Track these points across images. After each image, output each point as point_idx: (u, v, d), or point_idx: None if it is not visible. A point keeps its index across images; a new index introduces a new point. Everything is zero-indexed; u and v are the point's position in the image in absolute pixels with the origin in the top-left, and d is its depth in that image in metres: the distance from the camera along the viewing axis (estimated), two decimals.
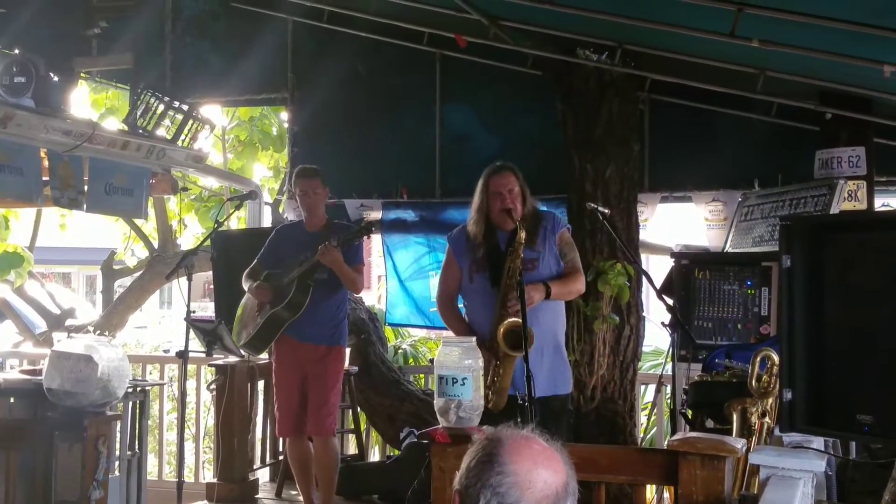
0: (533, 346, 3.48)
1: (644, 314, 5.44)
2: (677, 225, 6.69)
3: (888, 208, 5.46)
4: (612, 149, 5.27)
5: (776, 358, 3.03)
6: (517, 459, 1.52)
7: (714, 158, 5.57)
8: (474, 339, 3.83)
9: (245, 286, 4.77)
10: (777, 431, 2.98)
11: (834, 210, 4.61)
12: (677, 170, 5.69)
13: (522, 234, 3.69)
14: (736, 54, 4.60)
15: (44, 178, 4.98)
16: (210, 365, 5.81)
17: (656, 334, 6.38)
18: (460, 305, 4.10)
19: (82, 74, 6.71)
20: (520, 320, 3.50)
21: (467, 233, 3.94)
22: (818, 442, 2.75)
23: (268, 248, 4.85)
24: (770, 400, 3.17)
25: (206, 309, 11.64)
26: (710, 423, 3.69)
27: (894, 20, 3.54)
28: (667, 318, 4.40)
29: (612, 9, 4.47)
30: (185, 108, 5.73)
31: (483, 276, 3.82)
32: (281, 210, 7.08)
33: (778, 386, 2.91)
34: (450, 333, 6.42)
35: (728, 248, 5.24)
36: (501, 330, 3.64)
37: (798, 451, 2.59)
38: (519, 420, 3.10)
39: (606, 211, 4.30)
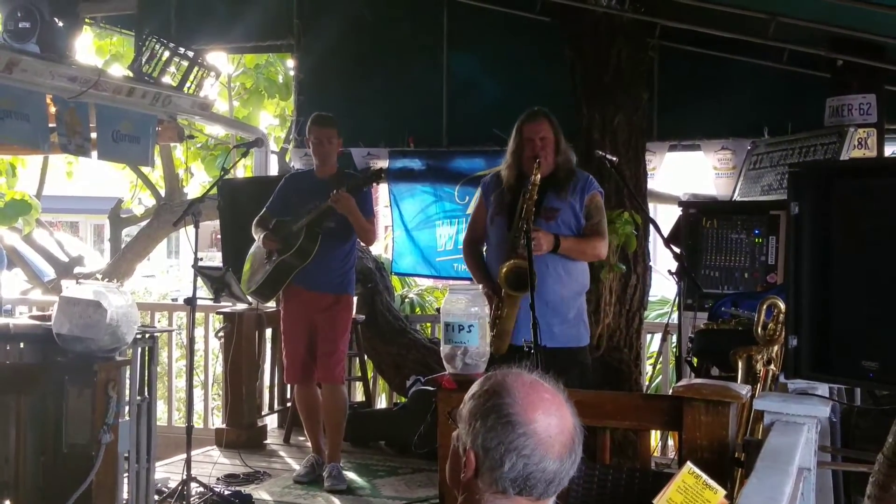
0: (535, 289, 3.47)
1: (650, 263, 5.44)
2: (685, 174, 6.65)
3: None
4: (620, 96, 5.21)
5: (782, 306, 3.03)
6: (536, 416, 1.50)
7: (724, 106, 5.52)
8: (481, 286, 3.85)
9: (255, 235, 4.78)
10: (782, 378, 3.00)
11: (844, 158, 4.57)
12: (686, 118, 5.63)
13: (537, 177, 3.68)
14: None
15: (50, 125, 4.97)
16: (218, 312, 5.85)
17: (663, 284, 6.39)
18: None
19: (87, 20, 6.64)
20: (524, 262, 3.50)
21: (499, 176, 3.95)
22: (823, 389, 2.76)
23: (277, 196, 4.84)
24: (775, 348, 3.18)
25: (213, 259, 11.68)
26: (715, 371, 3.71)
27: None
28: (673, 267, 4.40)
29: None
30: (191, 54, 5.68)
31: (502, 219, 3.83)
32: (287, 159, 7.05)
33: (783, 333, 2.92)
34: (455, 283, 6.48)
35: (736, 197, 5.22)
36: (504, 270, 3.64)
37: (803, 397, 2.60)
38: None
39: (614, 159, 4.27)
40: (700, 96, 5.60)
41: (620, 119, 5.20)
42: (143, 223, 9.75)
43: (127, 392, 3.73)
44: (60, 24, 4.89)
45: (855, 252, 2.50)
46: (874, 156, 4.71)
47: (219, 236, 6.40)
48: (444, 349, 3.03)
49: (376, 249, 7.64)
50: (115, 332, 3.50)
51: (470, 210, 6.09)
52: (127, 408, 3.73)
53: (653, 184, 5.65)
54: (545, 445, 1.49)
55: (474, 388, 1.59)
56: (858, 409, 3.20)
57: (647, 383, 5.59)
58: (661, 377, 5.76)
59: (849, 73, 4.80)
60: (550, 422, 1.51)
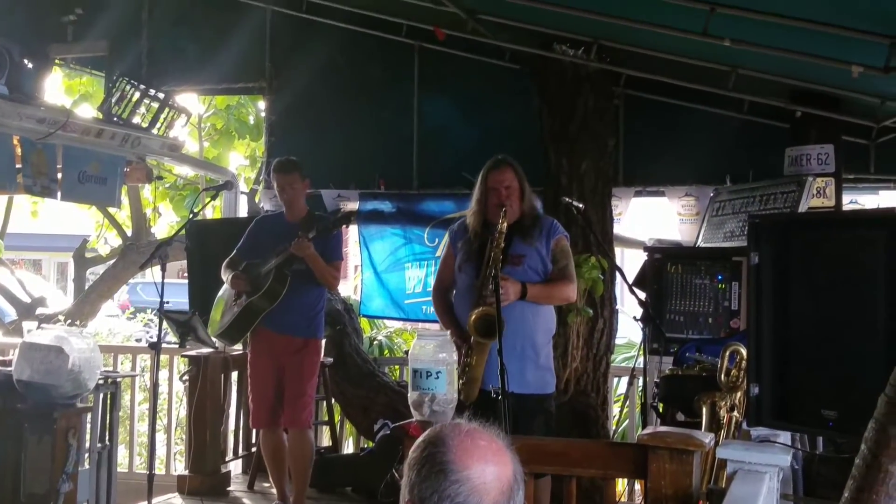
0: (504, 333, 3.49)
1: (618, 307, 5.49)
2: (651, 219, 6.75)
3: (856, 205, 5.56)
4: (587, 143, 5.30)
5: (744, 352, 3.08)
6: (470, 463, 1.50)
7: (687, 154, 5.63)
8: (449, 332, 3.85)
9: (223, 276, 4.75)
10: (745, 425, 3.04)
11: (803, 206, 4.68)
12: (651, 164, 5.74)
13: (504, 225, 3.72)
14: (708, 52, 4.64)
15: (16, 166, 4.94)
16: (183, 355, 5.78)
17: (630, 326, 6.43)
18: None
19: (57, 61, 6.63)
20: (492, 309, 3.51)
21: (465, 224, 3.98)
22: (785, 436, 2.80)
23: (247, 239, 4.83)
24: (739, 394, 3.23)
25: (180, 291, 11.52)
26: (680, 417, 3.74)
27: (862, 21, 3.59)
28: (639, 312, 4.44)
29: (587, 5, 4.50)
30: (161, 96, 5.69)
31: (471, 267, 3.86)
32: (257, 200, 7.05)
33: (746, 380, 2.96)
34: (425, 325, 6.48)
35: (700, 243, 5.30)
36: (473, 317, 3.65)
37: (764, 445, 2.64)
38: (482, 414, 3.08)
39: (581, 206, 4.33)
40: (664, 144, 5.71)
41: (587, 165, 5.29)
42: (109, 263, 9.64)
43: (87, 439, 3.68)
44: (30, 65, 4.90)
45: (813, 302, 2.57)
46: (832, 205, 4.82)
47: (185, 274, 6.35)
48: (412, 396, 3.03)
49: (345, 290, 7.63)
50: (76, 378, 3.47)
51: (439, 253, 6.12)
52: (87, 455, 3.67)
53: (619, 228, 5.72)
54: (479, 492, 1.49)
55: (418, 440, 1.61)
56: (820, 457, 3.24)
57: (614, 427, 5.61)
58: (627, 421, 5.77)
59: (807, 124, 4.93)
60: (486, 469, 1.51)
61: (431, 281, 6.22)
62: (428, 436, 1.57)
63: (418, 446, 1.56)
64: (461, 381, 3.63)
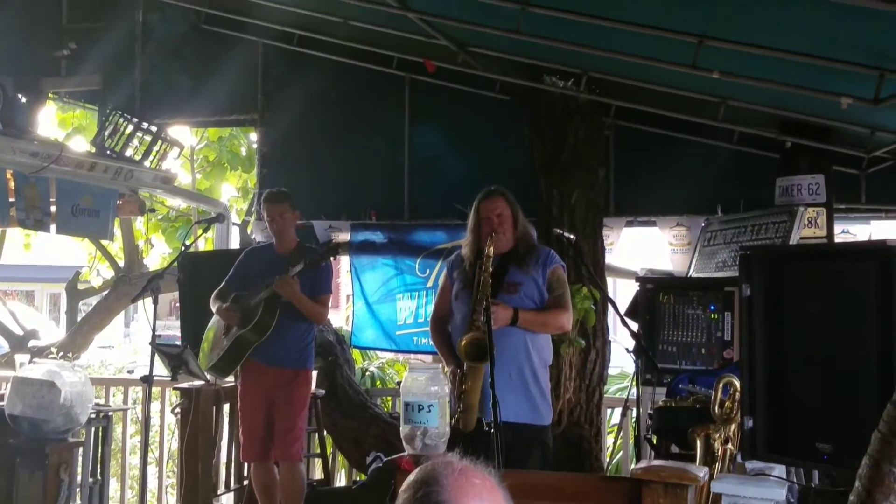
0: (498, 361, 3.47)
1: (611, 337, 5.48)
2: (642, 249, 6.76)
3: (848, 235, 5.59)
4: (578, 173, 5.33)
5: (738, 384, 3.08)
6: (465, 503, 1.48)
7: (678, 184, 5.66)
8: (440, 365, 3.84)
9: (213, 308, 4.74)
10: (740, 458, 3.03)
11: (794, 236, 4.70)
12: (642, 195, 5.76)
13: (490, 249, 3.73)
14: (698, 84, 4.68)
15: (10, 200, 4.94)
16: (175, 388, 5.74)
17: (623, 356, 6.42)
18: None
19: (50, 95, 6.66)
20: (482, 334, 3.50)
21: (461, 255, 4.00)
22: (780, 469, 2.79)
23: (236, 270, 4.82)
24: (733, 426, 3.22)
25: (171, 328, 11.50)
26: (675, 448, 3.73)
27: (851, 53, 3.63)
28: (632, 343, 4.44)
29: (577, 38, 4.54)
30: (154, 129, 5.71)
31: (466, 295, 3.86)
32: (249, 231, 7.04)
33: (740, 412, 2.96)
34: (416, 357, 6.45)
35: (692, 273, 5.31)
36: (463, 342, 3.65)
37: (759, 479, 2.63)
38: (476, 448, 3.03)
39: (572, 237, 4.34)
40: (654, 174, 5.74)
41: (578, 195, 5.30)
42: (101, 294, 9.60)
43: (79, 474, 3.65)
44: (24, 99, 4.92)
45: (805, 334, 2.57)
46: (824, 235, 4.84)
47: (177, 304, 6.33)
48: (404, 430, 3.01)
49: (337, 321, 7.60)
50: (68, 412, 3.45)
51: (431, 284, 6.12)
52: (78, 490, 3.64)
53: (610, 258, 5.73)
54: None
55: (408, 478, 1.60)
56: (815, 490, 3.23)
57: (608, 459, 5.57)
58: (621, 453, 5.74)
59: (798, 154, 4.97)
60: None
61: (423, 312, 6.22)
62: (420, 475, 1.55)
63: (411, 486, 1.54)
64: (459, 408, 3.61)
